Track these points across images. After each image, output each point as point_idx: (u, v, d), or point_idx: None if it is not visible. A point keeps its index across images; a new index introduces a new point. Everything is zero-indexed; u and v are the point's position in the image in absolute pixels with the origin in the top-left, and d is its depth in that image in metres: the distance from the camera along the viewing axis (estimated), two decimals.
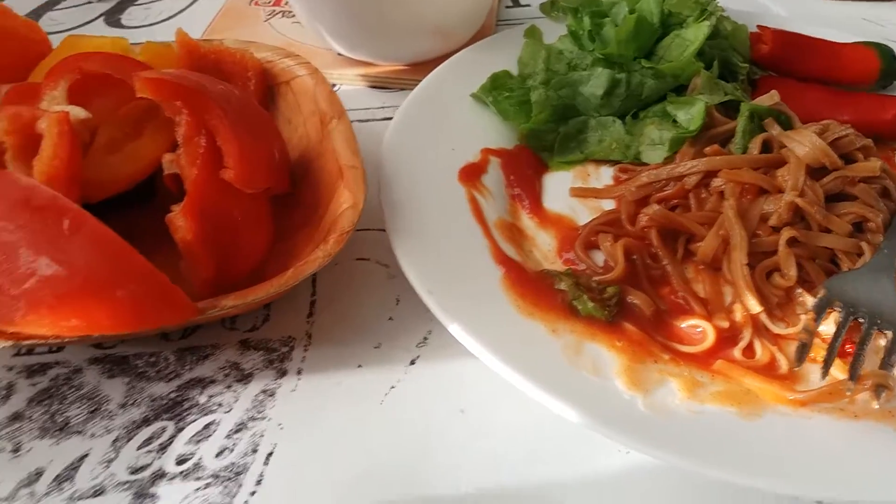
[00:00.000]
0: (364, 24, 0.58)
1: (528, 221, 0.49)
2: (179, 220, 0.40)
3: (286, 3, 0.72)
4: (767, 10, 0.75)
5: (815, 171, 0.45)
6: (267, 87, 0.54)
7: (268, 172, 0.44)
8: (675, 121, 0.52)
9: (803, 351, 0.39)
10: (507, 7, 0.75)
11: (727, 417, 0.35)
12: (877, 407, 0.35)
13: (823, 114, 0.53)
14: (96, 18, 0.72)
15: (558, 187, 0.51)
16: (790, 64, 0.57)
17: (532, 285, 0.42)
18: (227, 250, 0.42)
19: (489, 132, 0.54)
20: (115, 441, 0.37)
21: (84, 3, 0.74)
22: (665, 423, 0.34)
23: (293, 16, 0.69)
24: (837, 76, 0.57)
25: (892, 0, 0.77)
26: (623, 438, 0.33)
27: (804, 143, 0.44)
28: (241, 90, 0.52)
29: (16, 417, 0.39)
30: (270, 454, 0.37)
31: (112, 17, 0.72)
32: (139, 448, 0.37)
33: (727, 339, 0.40)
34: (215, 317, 0.37)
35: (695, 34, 0.54)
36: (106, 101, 0.45)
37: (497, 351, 0.36)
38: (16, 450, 0.37)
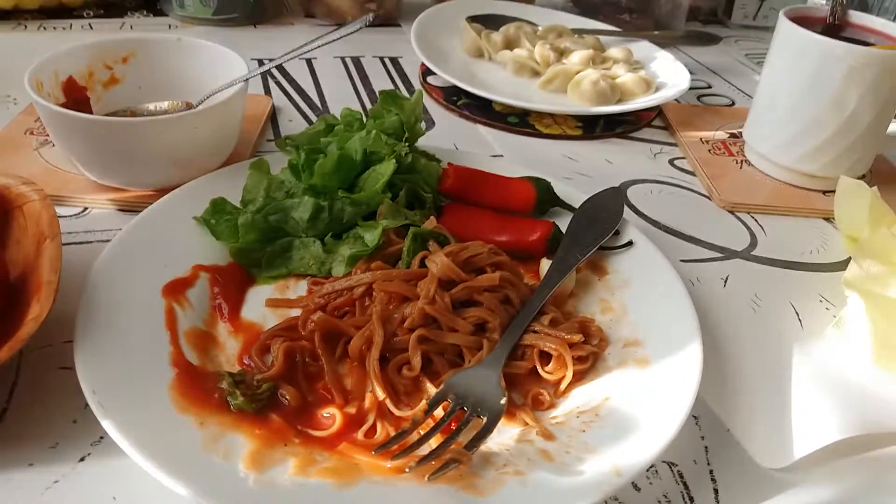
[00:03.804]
0: (108, 157, 0.67)
1: (223, 330, 0.56)
2: None
3: None
4: (492, 149, 0.90)
5: (448, 283, 0.55)
6: (3, 211, 0.60)
7: None
8: (364, 242, 0.62)
9: (400, 436, 0.47)
10: (269, 140, 0.86)
11: (323, 487, 0.43)
12: (426, 480, 0.43)
13: (489, 234, 0.65)
14: None
15: (259, 299, 0.60)
16: (469, 194, 0.69)
17: (197, 385, 0.49)
18: None
19: (207, 251, 0.62)
20: None
21: None
22: (268, 494, 0.42)
23: None
24: (504, 204, 0.70)
25: (588, 140, 0.95)
26: None
27: (437, 262, 0.55)
28: None
29: None
30: None
31: None
32: None
33: (354, 422, 0.49)
34: None
35: (384, 170, 0.65)
36: None
37: (137, 443, 0.42)
38: None
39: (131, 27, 1.17)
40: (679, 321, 0.57)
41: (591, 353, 0.55)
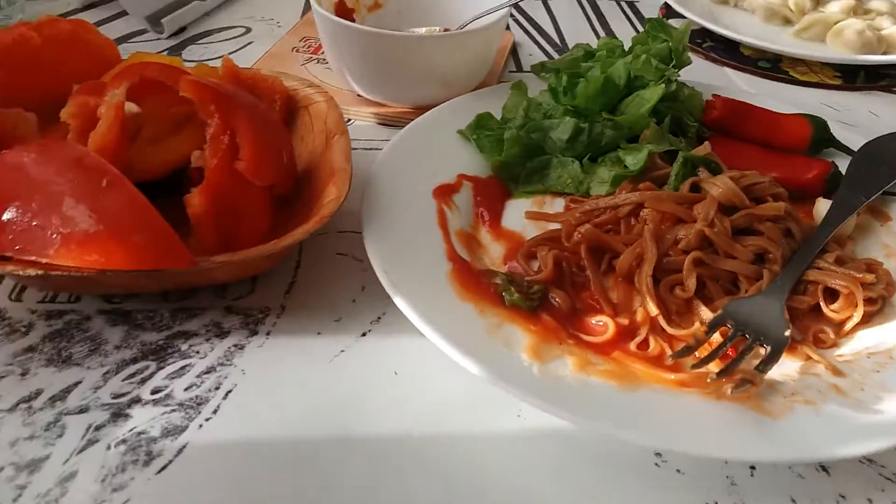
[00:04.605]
0: (380, 71, 0.70)
1: (485, 235, 0.58)
2: (194, 198, 0.50)
3: (321, 53, 0.84)
4: (739, 88, 0.84)
5: (728, 209, 0.53)
6: (289, 109, 0.64)
7: (275, 171, 0.54)
8: (624, 165, 0.61)
9: (685, 351, 0.46)
10: (511, 72, 0.86)
11: (607, 388, 0.43)
12: (729, 393, 0.42)
13: (757, 169, 0.61)
14: (161, 51, 0.85)
15: (517, 211, 0.60)
16: (735, 127, 0.66)
17: (473, 278, 0.50)
18: (229, 230, 0.51)
19: (468, 163, 0.63)
20: (105, 373, 0.46)
21: (154, 39, 0.88)
22: (552, 385, 0.42)
23: (324, 63, 0.82)
24: (774, 140, 0.65)
25: (848, 91, 0.86)
26: (515, 391, 0.41)
27: (718, 185, 0.53)
28: (266, 107, 0.63)
29: (29, 349, 0.47)
30: (230, 391, 0.45)
31: (174, 52, 0.85)
32: (123, 380, 0.46)
33: (626, 333, 0.48)
34: (207, 275, 0.47)
35: (651, 94, 0.63)
36: (156, 103, 0.56)
37: (428, 320, 0.44)
38: (23, 374, 0.45)
39: None
40: None
41: (880, 296, 0.50)
